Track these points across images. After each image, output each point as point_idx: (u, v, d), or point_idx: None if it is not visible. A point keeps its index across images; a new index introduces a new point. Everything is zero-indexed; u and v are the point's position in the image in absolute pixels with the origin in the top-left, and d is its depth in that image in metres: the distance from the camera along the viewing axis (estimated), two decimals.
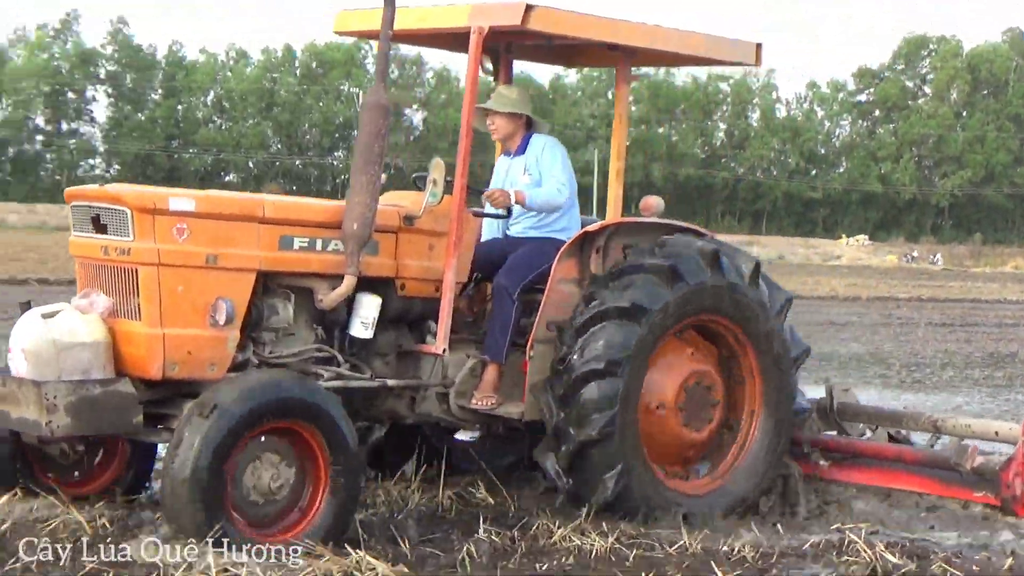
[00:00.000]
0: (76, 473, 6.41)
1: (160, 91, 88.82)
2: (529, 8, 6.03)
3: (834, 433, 7.83)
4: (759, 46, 7.16)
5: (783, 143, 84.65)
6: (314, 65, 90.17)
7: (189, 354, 5.56)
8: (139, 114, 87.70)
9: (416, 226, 6.27)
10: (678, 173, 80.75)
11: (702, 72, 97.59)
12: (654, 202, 7.35)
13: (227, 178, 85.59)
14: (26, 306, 5.90)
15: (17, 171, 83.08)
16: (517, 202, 6.66)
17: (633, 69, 7.45)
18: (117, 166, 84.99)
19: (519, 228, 7.01)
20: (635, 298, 6.40)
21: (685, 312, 6.65)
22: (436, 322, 6.40)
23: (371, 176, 5.84)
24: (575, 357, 6.32)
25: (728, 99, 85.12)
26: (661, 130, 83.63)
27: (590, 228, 6.83)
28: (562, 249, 6.71)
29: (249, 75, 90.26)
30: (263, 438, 5.56)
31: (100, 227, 5.83)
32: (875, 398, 12.60)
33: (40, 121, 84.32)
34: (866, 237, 76.26)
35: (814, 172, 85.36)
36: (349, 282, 5.96)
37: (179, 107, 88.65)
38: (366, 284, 6.22)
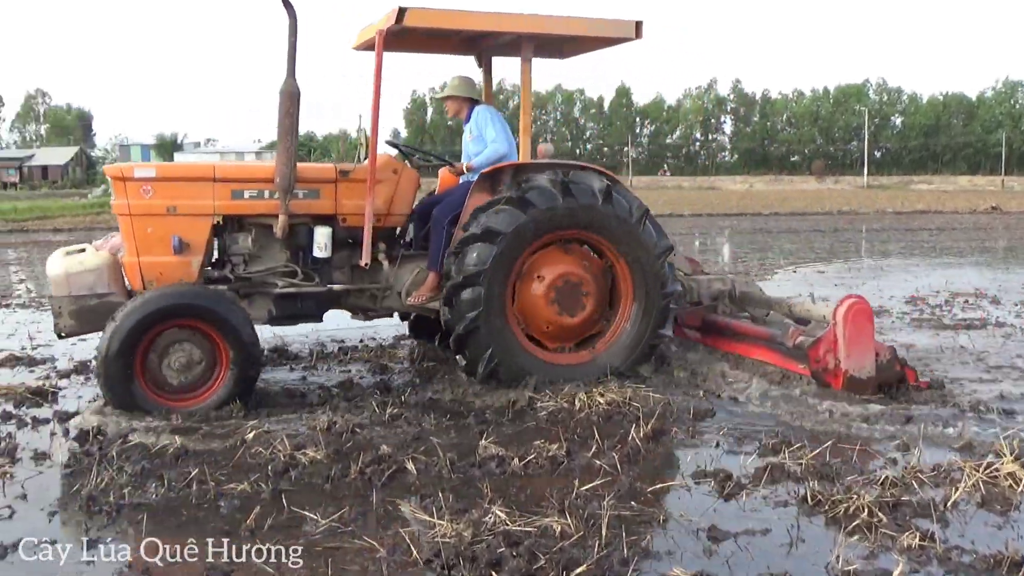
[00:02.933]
0: None
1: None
2: (402, 11, 5.83)
3: (747, 316, 7.05)
4: (639, 23, 6.44)
5: None
6: None
7: (161, 274, 5.80)
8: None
9: (351, 177, 6.21)
10: (974, 142, 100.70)
11: (972, 91, 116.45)
12: (545, 148, 7.50)
13: None
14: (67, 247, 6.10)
15: None
16: (468, 169, 6.51)
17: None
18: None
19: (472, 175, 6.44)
20: (489, 224, 5.95)
21: (542, 230, 6.12)
22: (381, 243, 6.29)
23: (287, 144, 5.78)
24: (452, 271, 6.03)
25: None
26: (954, 121, 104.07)
27: (485, 169, 6.34)
28: (472, 185, 6.24)
29: None
30: (175, 331, 5.56)
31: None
32: None
33: None
34: None
35: None
36: (283, 219, 5.95)
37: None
38: (320, 219, 6.15)
